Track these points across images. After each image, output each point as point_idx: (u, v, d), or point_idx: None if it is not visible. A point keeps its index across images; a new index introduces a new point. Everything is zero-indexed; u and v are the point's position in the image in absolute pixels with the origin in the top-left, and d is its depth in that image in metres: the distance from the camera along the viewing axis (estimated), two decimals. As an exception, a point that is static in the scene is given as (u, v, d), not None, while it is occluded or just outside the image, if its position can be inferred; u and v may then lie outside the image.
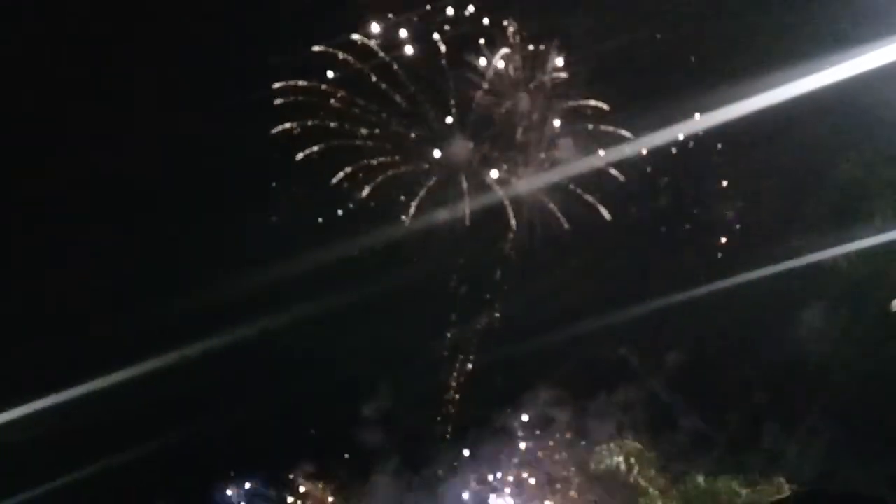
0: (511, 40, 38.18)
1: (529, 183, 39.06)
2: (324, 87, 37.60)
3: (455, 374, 40.55)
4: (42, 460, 33.48)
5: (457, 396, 40.52)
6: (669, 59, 34.94)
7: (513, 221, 40.18)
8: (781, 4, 33.46)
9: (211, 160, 34.55)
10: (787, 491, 28.96)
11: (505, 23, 38.05)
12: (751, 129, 33.38)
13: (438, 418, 40.07)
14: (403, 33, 37.54)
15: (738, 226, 35.63)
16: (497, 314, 40.31)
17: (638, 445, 29.75)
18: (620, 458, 29.02)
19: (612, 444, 29.54)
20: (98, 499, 34.66)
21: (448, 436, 39.76)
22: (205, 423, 34.98)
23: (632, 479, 28.88)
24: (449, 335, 40.09)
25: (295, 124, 37.26)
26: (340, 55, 37.77)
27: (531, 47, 38.27)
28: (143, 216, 34.99)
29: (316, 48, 36.93)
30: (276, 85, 36.93)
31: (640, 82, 35.85)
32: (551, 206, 39.14)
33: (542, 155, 39.19)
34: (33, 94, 32.42)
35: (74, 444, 33.32)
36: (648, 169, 37.81)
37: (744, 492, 28.77)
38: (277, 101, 36.46)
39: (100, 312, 33.84)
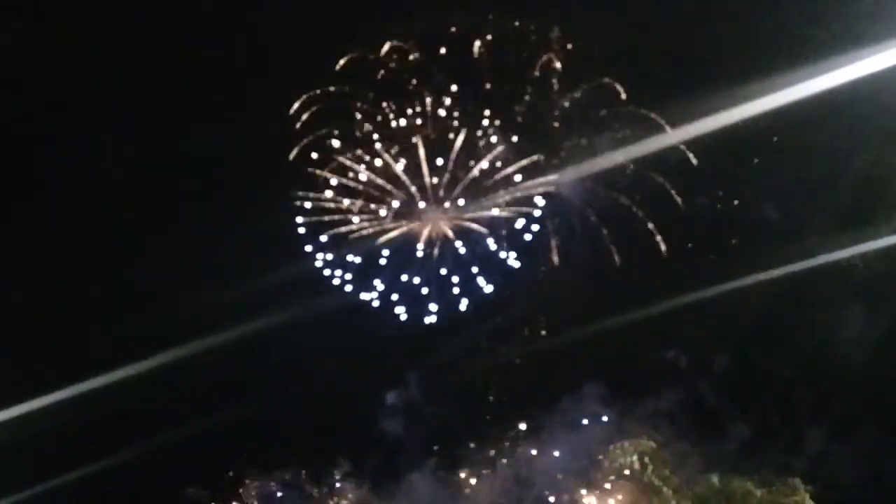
0: (553, 46, 39.00)
1: (568, 184, 39.66)
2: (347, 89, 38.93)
3: (494, 375, 41.12)
4: (84, 446, 34.57)
5: (495, 398, 41.07)
6: (689, 62, 35.54)
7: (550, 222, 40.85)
8: (800, 7, 33.80)
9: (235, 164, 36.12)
10: (802, 492, 28.74)
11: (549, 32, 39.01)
12: (767, 129, 33.72)
13: (477, 418, 40.71)
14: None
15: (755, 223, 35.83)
16: (536, 316, 40.89)
17: (652, 444, 29.95)
18: (634, 457, 29.30)
19: (626, 443, 29.83)
20: (133, 483, 35.89)
21: (485, 435, 40.34)
22: (242, 415, 36.06)
23: (646, 479, 29.11)
24: (488, 336, 40.78)
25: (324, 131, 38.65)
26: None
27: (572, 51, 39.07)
28: (163, 218, 36.65)
29: (347, 56, 38.37)
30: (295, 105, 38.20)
31: (666, 82, 36.56)
32: (589, 207, 39.70)
33: (581, 156, 39.75)
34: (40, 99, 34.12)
35: (113, 432, 34.84)
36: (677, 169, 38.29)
37: (759, 492, 28.61)
38: (304, 116, 38.08)
39: (139, 303, 35.52)
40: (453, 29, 38.76)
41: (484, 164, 39.68)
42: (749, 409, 33.09)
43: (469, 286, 41.10)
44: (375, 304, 39.34)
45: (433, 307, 40.36)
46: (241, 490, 38.34)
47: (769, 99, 31.28)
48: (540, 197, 40.02)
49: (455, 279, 40.79)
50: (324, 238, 38.43)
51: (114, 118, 34.97)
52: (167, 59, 34.71)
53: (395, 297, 39.70)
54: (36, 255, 35.82)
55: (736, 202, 38.02)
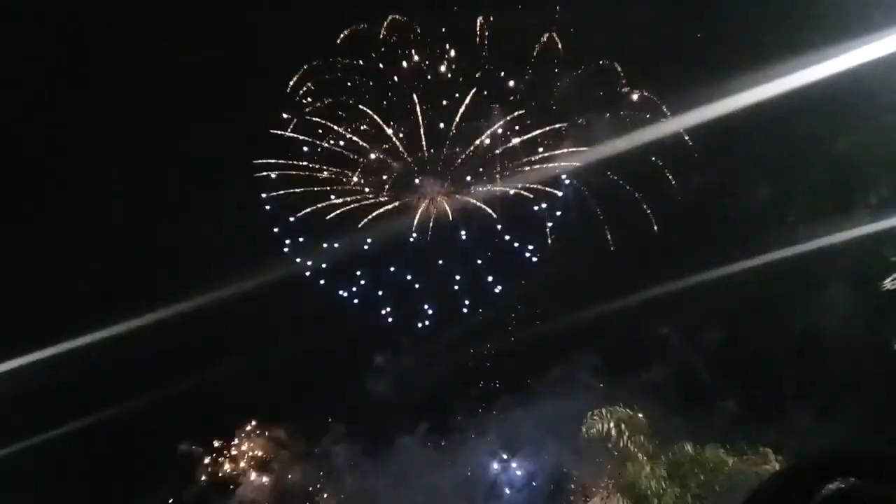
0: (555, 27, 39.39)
1: (567, 162, 40.20)
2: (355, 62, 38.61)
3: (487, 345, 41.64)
4: (79, 401, 35.30)
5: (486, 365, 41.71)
6: (681, 51, 36.21)
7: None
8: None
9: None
10: (773, 461, 29.58)
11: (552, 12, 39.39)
12: (760, 116, 34.32)
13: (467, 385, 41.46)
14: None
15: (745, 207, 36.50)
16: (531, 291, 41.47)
17: (628, 412, 30.86)
18: (611, 424, 30.22)
19: (602, 410, 30.73)
20: (127, 439, 37.18)
21: (476, 403, 41.12)
22: (237, 374, 37.04)
23: (621, 445, 30.06)
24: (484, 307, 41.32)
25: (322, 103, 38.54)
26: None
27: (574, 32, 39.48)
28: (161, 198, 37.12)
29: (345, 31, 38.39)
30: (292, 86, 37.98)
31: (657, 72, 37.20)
32: (584, 187, 40.27)
33: (580, 136, 40.22)
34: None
35: (109, 387, 35.91)
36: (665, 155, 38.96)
37: (731, 460, 29.49)
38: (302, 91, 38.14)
39: (138, 264, 36.26)
40: (455, 9, 39.24)
41: (487, 138, 39.94)
42: (727, 381, 34.00)
43: (472, 283, 40.71)
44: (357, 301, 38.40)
45: (427, 309, 39.69)
46: (234, 447, 39.64)
47: (765, 88, 31.88)
48: (562, 176, 40.40)
49: (456, 276, 40.26)
50: (297, 217, 38.21)
51: (113, 117, 35.66)
52: (166, 57, 35.09)
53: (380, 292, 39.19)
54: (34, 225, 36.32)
55: (727, 187, 38.73)
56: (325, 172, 38.82)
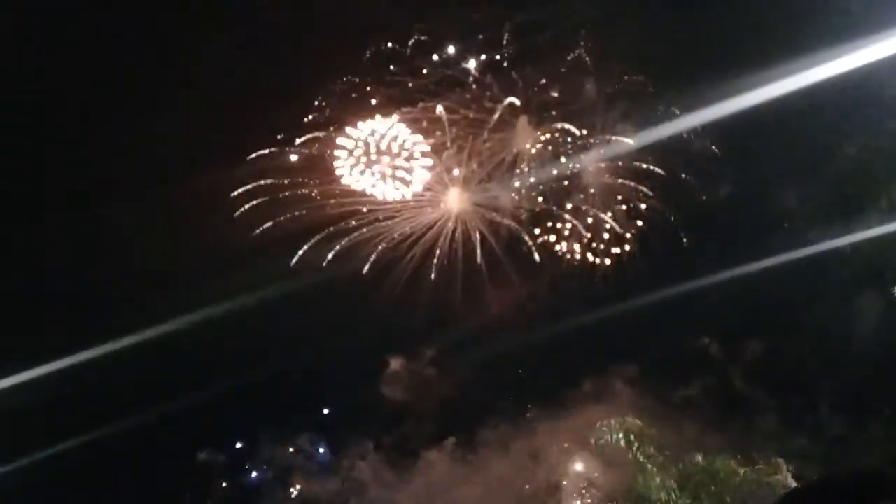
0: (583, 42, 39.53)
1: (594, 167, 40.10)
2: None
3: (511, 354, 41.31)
4: (97, 411, 35.32)
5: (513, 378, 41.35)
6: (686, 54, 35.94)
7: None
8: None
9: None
10: (785, 472, 29.00)
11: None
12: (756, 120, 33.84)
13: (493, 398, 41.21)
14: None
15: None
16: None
17: (639, 423, 30.57)
18: (620, 435, 29.98)
19: (612, 421, 30.51)
20: (147, 448, 37.10)
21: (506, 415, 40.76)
22: (257, 382, 36.68)
23: (630, 456, 29.77)
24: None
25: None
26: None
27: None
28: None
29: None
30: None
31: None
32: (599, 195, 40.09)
33: (606, 140, 40.09)
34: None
35: (127, 397, 35.70)
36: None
37: (742, 471, 29.02)
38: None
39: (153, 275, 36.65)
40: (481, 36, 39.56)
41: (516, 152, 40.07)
42: (737, 391, 33.49)
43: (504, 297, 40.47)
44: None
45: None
46: (254, 456, 40.09)
47: (773, 89, 31.51)
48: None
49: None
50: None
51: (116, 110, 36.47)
52: (177, 77, 35.72)
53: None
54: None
55: (756, 191, 38.18)
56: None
